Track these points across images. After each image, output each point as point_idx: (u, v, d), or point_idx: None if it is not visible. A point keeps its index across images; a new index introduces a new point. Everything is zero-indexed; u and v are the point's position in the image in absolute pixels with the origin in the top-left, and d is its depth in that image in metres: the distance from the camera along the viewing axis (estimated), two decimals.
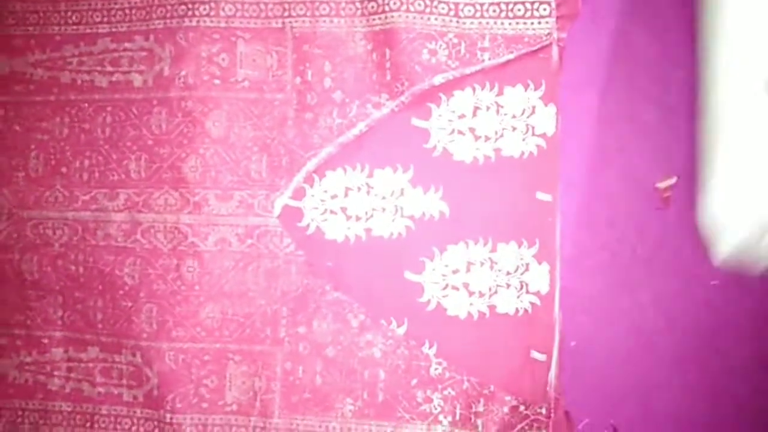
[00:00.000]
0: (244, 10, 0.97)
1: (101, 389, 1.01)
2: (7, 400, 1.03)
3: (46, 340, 1.03)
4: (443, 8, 0.93)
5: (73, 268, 1.01)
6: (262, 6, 0.97)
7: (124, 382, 1.01)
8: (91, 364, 1.02)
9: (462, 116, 0.93)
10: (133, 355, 1.00)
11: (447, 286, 0.94)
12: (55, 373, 1.03)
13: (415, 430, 0.94)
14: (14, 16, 1.03)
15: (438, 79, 0.92)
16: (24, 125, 1.02)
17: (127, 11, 1.00)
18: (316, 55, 0.96)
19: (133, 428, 1.00)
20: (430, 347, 0.94)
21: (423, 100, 0.93)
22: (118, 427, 1.01)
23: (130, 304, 0.99)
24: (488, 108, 0.93)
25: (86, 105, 1.01)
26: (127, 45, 1.00)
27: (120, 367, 1.01)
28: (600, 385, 0.93)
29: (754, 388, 0.89)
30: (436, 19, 0.93)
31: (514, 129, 0.92)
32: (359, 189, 0.95)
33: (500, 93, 0.92)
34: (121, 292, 1.00)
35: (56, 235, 1.01)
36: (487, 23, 0.92)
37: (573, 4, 0.91)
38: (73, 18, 1.01)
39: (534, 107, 0.92)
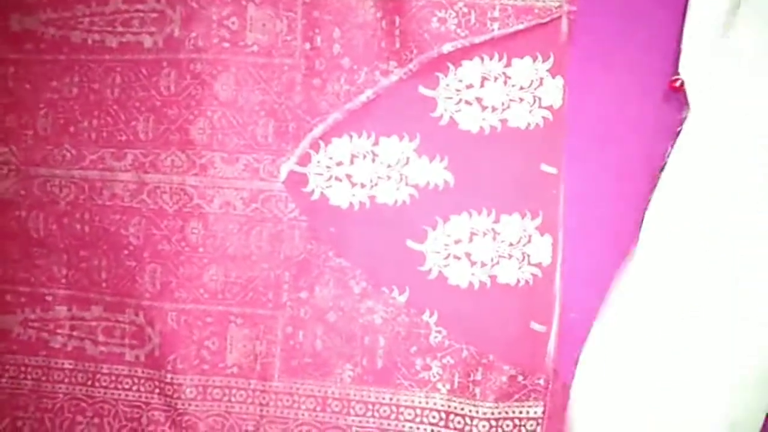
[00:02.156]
0: None
1: (103, 348, 1.09)
2: (10, 356, 1.10)
3: (50, 298, 1.10)
4: None
5: (78, 226, 1.08)
6: None
7: (126, 341, 1.08)
8: (93, 323, 1.09)
9: (469, 86, 0.99)
10: (136, 314, 1.07)
11: (449, 255, 1.00)
12: (58, 330, 1.10)
13: (414, 397, 1.01)
14: None
15: (447, 48, 0.98)
16: (34, 83, 1.09)
17: None
18: (325, 21, 1.02)
19: (134, 388, 1.08)
20: (430, 315, 1.00)
21: (431, 69, 0.99)
22: (119, 386, 1.08)
23: (134, 264, 1.07)
24: (496, 78, 0.99)
25: (96, 65, 1.07)
26: (138, 6, 1.06)
27: (122, 326, 1.08)
28: None
29: None
30: None
31: (521, 100, 0.98)
32: (365, 156, 1.02)
33: (508, 64, 0.98)
34: (125, 251, 1.07)
35: (63, 193, 1.09)
36: None
37: None
38: None
39: (542, 79, 0.97)
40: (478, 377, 0.99)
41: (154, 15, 1.06)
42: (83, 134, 1.08)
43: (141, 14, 1.07)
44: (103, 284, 1.08)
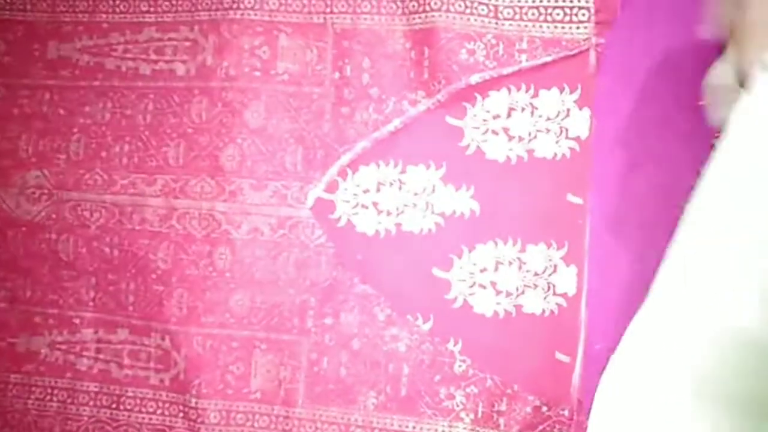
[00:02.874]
0: (288, 4, 1.08)
1: (129, 371, 1.12)
2: (38, 377, 1.14)
3: (77, 320, 1.14)
4: (483, 9, 1.03)
5: (107, 250, 1.12)
6: (305, 1, 1.08)
7: (152, 365, 1.11)
8: (120, 346, 1.13)
9: (496, 116, 1.02)
10: (162, 338, 1.10)
11: (474, 284, 1.03)
12: (85, 353, 1.14)
13: (437, 426, 1.03)
14: (65, 3, 1.15)
15: (475, 79, 1.02)
16: (68, 109, 1.14)
17: (174, 2, 1.11)
18: (355, 51, 1.06)
19: (158, 411, 1.11)
20: (454, 344, 1.03)
21: (458, 99, 1.03)
22: (144, 409, 1.12)
23: (161, 288, 1.10)
24: (523, 109, 1.02)
25: (129, 92, 1.12)
26: (171, 35, 1.11)
27: (148, 350, 1.11)
28: None
29: None
30: (475, 20, 1.03)
31: (547, 131, 1.02)
32: (391, 184, 1.05)
33: (535, 95, 1.02)
34: (153, 276, 1.10)
35: (93, 218, 1.13)
36: (526, 26, 1.03)
37: (612, 10, 0.99)
38: (121, 7, 1.13)
39: (568, 110, 1.01)
40: (503, 407, 1.02)
41: (187, 44, 1.11)
42: (115, 159, 1.13)
43: (174, 42, 1.12)
44: (130, 308, 1.12)
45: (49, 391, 1.14)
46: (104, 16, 1.15)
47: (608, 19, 1.00)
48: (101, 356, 1.13)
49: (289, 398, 1.07)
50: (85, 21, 1.15)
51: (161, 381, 1.11)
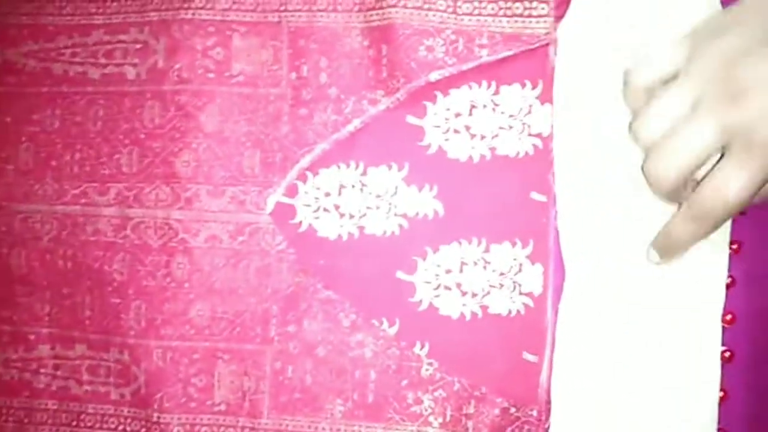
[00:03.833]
0: (240, 2, 1.08)
1: (88, 387, 1.12)
2: None
3: (32, 337, 1.13)
4: (441, 4, 1.04)
5: (61, 263, 1.12)
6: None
7: (112, 380, 1.11)
8: (78, 362, 1.13)
9: (458, 114, 1.03)
10: (121, 352, 1.11)
11: (439, 286, 1.04)
12: (42, 370, 1.14)
13: (406, 431, 1.06)
14: (8, 4, 1.13)
15: (434, 76, 1.03)
16: (15, 117, 1.13)
17: (123, 2, 1.11)
18: (312, 50, 1.07)
19: (120, 427, 1.11)
20: (421, 348, 1.04)
21: (418, 98, 1.04)
22: (105, 426, 1.12)
23: (118, 301, 1.10)
24: (484, 106, 1.03)
25: (78, 97, 1.12)
26: (121, 37, 1.11)
27: (107, 365, 1.12)
28: None
29: None
30: (434, 15, 1.04)
31: (510, 128, 1.03)
32: (353, 186, 1.06)
33: (497, 92, 1.03)
34: (109, 288, 1.10)
35: (45, 229, 1.12)
36: (486, 20, 1.03)
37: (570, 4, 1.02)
38: (68, 8, 1.12)
39: (530, 106, 1.02)
40: (471, 410, 1.03)
41: (138, 46, 1.11)
42: (65, 168, 1.12)
43: (124, 45, 1.11)
44: (87, 322, 1.12)
45: (5, 411, 1.14)
46: (50, 18, 1.14)
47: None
48: (59, 373, 1.13)
49: (255, 409, 1.08)
50: (29, 24, 1.14)
51: (122, 396, 1.11)
